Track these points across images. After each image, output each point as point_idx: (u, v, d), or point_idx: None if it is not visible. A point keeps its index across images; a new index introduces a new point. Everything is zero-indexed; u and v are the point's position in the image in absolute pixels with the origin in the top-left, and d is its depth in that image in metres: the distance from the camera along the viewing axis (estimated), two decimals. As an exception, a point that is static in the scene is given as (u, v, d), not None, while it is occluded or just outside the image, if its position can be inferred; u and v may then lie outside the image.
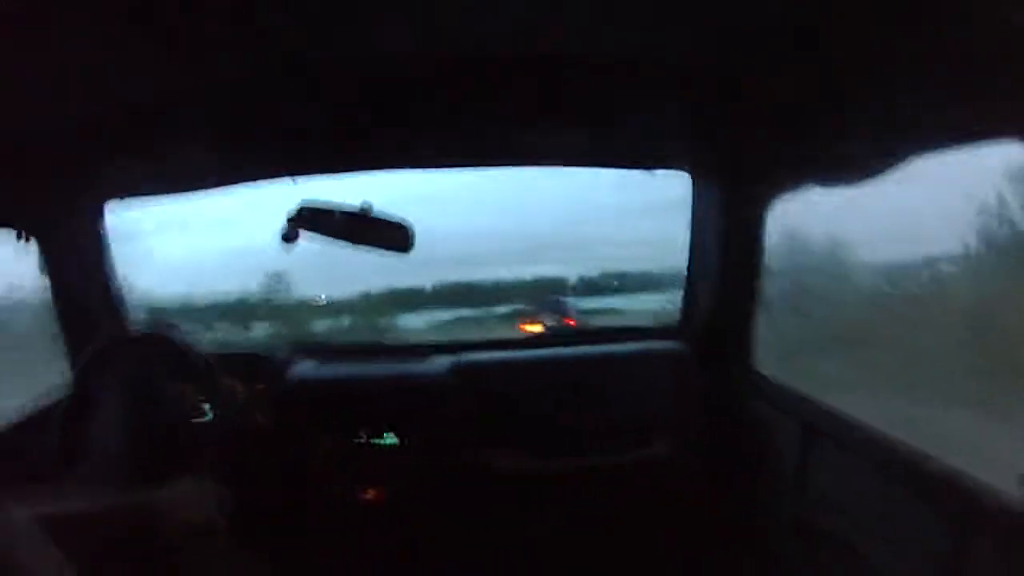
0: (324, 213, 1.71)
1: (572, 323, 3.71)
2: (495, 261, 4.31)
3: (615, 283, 4.14)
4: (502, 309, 4.90)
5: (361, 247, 1.75)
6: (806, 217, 1.84)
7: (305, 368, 2.04)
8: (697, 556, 1.90)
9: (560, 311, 3.89)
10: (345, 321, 4.13)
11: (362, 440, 1.91)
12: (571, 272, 4.34)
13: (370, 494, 1.92)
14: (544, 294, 4.34)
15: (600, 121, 1.67)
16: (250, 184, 1.88)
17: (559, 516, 1.97)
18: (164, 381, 1.57)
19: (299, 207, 1.69)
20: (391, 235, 1.75)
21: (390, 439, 1.92)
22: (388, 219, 1.74)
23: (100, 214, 1.89)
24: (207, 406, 1.59)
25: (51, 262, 1.76)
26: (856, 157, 1.38)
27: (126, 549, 1.19)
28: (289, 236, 1.68)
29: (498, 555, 1.97)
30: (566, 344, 2.21)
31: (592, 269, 4.22)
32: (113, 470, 1.43)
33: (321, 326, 3.92)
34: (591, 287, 4.31)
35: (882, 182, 1.37)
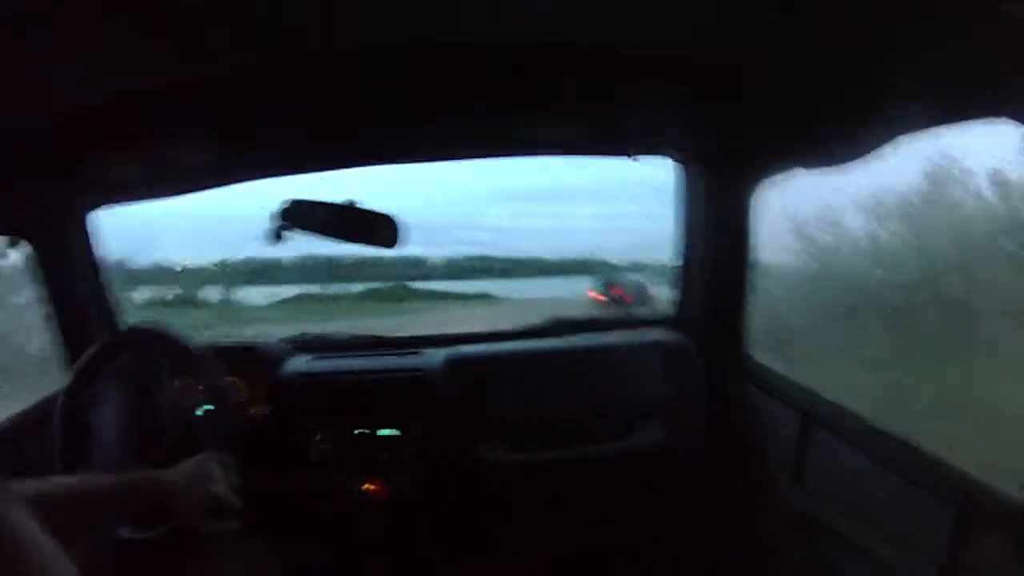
0: (310, 209, 1.68)
1: (622, 293, 3.75)
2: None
3: (480, 266, 4.19)
4: (356, 287, 4.69)
5: (349, 243, 1.72)
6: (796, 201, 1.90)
7: (302, 361, 2.03)
8: (693, 547, 1.99)
9: (611, 283, 3.90)
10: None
11: (359, 433, 1.92)
12: (435, 254, 4.30)
13: (368, 486, 1.93)
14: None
15: (590, 110, 1.67)
16: (243, 183, 1.88)
17: (556, 506, 1.99)
18: (163, 376, 1.59)
19: (285, 203, 1.66)
20: (379, 230, 1.71)
21: (386, 432, 1.92)
22: (375, 213, 1.69)
23: (94, 214, 1.87)
24: (206, 400, 1.61)
25: (48, 262, 1.76)
26: (850, 143, 1.41)
27: (138, 526, 1.24)
28: (276, 233, 1.66)
29: (495, 546, 1.98)
30: (560, 334, 2.21)
31: (456, 252, 4.23)
32: (113, 465, 1.46)
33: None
34: (456, 270, 4.31)
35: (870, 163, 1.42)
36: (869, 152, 1.38)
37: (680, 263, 2.08)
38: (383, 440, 1.93)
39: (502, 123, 1.78)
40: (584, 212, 4.45)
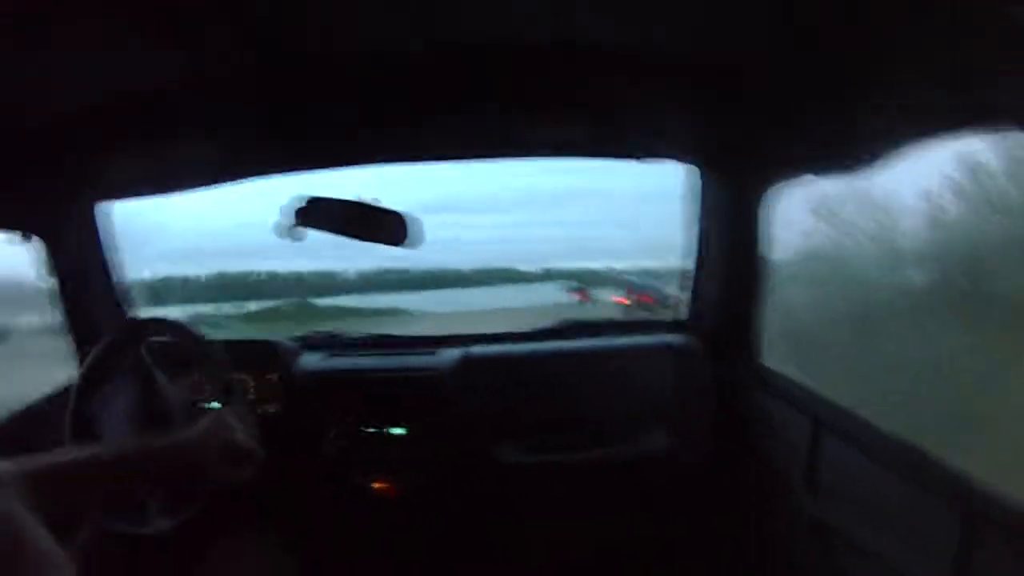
0: (324, 206, 1.64)
1: (649, 300, 3.67)
2: (269, 253, 3.87)
3: (393, 279, 4.08)
4: (252, 306, 4.35)
5: (362, 240, 1.69)
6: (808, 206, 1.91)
7: (315, 359, 1.99)
8: (702, 553, 1.99)
9: (640, 290, 3.80)
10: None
11: (371, 431, 1.90)
12: (349, 267, 4.13)
13: (379, 484, 1.91)
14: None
15: (605, 112, 1.68)
16: (250, 180, 1.84)
17: (565, 508, 1.98)
18: (173, 371, 1.58)
19: (299, 200, 1.63)
20: (392, 228, 1.67)
21: (398, 431, 1.90)
22: (388, 212, 1.66)
23: (102, 210, 1.86)
24: (215, 396, 1.59)
25: (55, 259, 1.74)
26: (857, 146, 1.41)
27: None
28: (289, 230, 1.62)
29: (504, 546, 1.95)
30: (574, 337, 2.17)
31: (370, 265, 4.08)
32: None
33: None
34: (370, 283, 4.15)
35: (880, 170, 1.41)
36: (881, 159, 1.39)
37: (692, 267, 2.09)
38: (395, 439, 1.90)
39: (508, 124, 1.75)
40: (487, 222, 4.45)
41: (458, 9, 1.20)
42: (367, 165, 1.88)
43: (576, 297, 4.31)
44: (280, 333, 2.33)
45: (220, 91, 1.40)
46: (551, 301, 4.30)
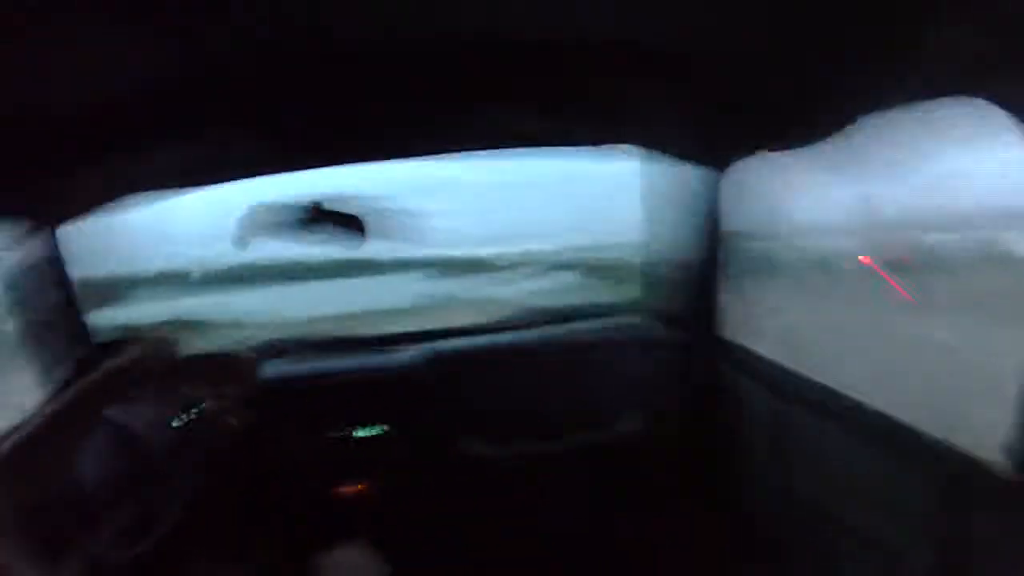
0: (274, 212, 1.66)
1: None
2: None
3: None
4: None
5: (315, 243, 1.69)
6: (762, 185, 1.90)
7: (279, 365, 1.98)
8: (676, 534, 1.96)
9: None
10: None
11: (342, 433, 1.91)
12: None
13: (352, 486, 1.92)
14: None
15: (555, 99, 1.65)
16: (246, 179, 1.82)
17: (540, 499, 1.95)
18: (140, 386, 1.49)
19: (249, 209, 1.64)
20: (346, 229, 1.70)
21: (370, 431, 1.92)
22: (340, 213, 1.69)
23: (69, 228, 1.78)
24: (181, 411, 1.57)
25: (21, 274, 1.67)
26: (807, 122, 1.41)
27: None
28: (241, 239, 1.62)
29: (482, 542, 1.90)
30: (537, 326, 2.14)
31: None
32: (94, 477, 1.41)
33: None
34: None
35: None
36: (831, 132, 1.37)
37: (649, 249, 2.12)
38: (365, 440, 1.91)
39: (461, 116, 1.70)
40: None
41: (438, 4, 1.16)
42: (363, 163, 1.84)
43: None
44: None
45: (216, 89, 1.37)
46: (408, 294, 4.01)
